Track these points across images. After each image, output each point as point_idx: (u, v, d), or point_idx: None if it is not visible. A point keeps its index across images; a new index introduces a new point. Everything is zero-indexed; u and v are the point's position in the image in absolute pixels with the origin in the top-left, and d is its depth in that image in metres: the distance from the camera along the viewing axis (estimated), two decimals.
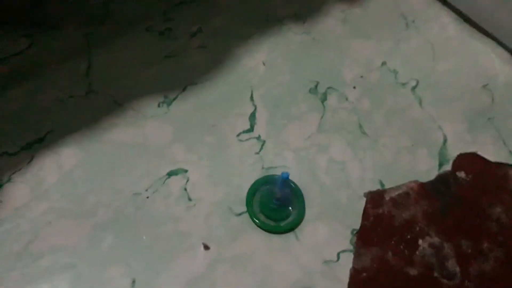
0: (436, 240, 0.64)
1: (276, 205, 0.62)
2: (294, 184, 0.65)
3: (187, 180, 0.62)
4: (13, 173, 0.58)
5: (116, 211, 0.59)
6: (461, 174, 0.70)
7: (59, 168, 0.60)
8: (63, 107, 0.64)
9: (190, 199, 0.61)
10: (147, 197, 0.60)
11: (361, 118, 0.74)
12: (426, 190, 0.68)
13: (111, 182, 0.61)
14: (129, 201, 0.60)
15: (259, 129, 0.69)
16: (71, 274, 0.54)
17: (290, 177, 0.57)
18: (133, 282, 0.55)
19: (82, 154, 0.62)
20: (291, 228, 0.62)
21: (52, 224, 0.57)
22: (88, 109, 0.65)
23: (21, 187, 0.58)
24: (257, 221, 0.61)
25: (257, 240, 0.61)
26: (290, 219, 0.63)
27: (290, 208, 0.63)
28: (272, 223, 0.62)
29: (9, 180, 0.58)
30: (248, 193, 0.63)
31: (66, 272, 0.54)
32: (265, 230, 0.61)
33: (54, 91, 0.65)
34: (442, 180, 0.69)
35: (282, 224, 0.62)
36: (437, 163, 0.70)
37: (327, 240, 0.62)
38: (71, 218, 0.57)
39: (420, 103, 0.75)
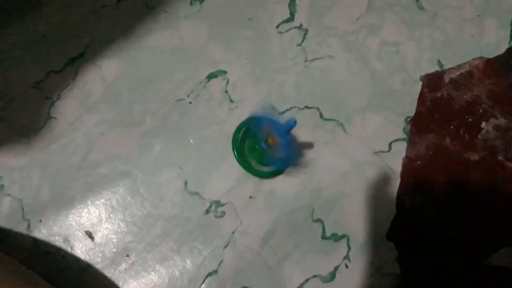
0: (502, 121, 0.58)
1: (265, 149, 0.54)
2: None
3: (227, 82, 0.61)
4: (62, 90, 0.61)
5: (162, 118, 0.60)
6: None
7: (103, 80, 0.61)
8: (97, 18, 0.63)
9: (231, 101, 0.60)
10: (190, 102, 0.60)
11: None
12: (493, 66, 0.60)
13: (154, 90, 0.61)
14: (173, 107, 0.60)
15: (300, 17, 0.63)
16: (127, 180, 0.58)
17: None
18: (186, 183, 0.58)
19: (122, 64, 0.62)
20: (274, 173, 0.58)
21: (104, 135, 0.59)
22: (122, 17, 0.63)
23: (71, 102, 0.60)
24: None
25: (303, 135, 0.59)
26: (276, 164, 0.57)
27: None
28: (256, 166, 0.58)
29: (59, 97, 0.60)
30: (235, 133, 0.59)
31: (123, 179, 0.58)
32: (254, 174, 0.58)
33: (86, 2, 0.63)
34: None
35: (266, 169, 0.58)
36: (508, 34, 0.61)
37: (377, 130, 0.59)
38: (121, 128, 0.60)
39: None
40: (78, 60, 0.62)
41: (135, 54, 0.62)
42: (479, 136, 0.58)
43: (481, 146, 0.58)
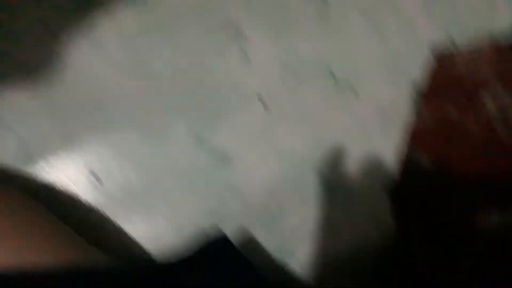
0: (505, 98, 0.61)
1: None
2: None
3: (243, 36, 0.60)
4: (72, 29, 0.57)
5: (173, 63, 0.59)
6: None
7: (117, 25, 0.59)
8: None
9: (246, 55, 0.60)
10: (203, 52, 0.59)
11: None
12: (502, 47, 0.62)
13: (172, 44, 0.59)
14: (185, 54, 0.59)
15: None
16: (138, 124, 0.57)
17: None
18: (195, 132, 0.58)
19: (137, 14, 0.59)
20: None
21: (112, 74, 0.57)
22: None
23: (80, 42, 0.58)
24: None
25: (315, 96, 0.61)
26: None
27: None
28: None
29: (68, 36, 0.57)
30: None
31: (133, 122, 0.57)
32: None
33: None
34: None
35: None
36: None
37: (387, 96, 0.61)
38: (129, 68, 0.57)
39: None
40: None
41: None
42: (482, 112, 0.61)
43: (483, 119, 0.61)
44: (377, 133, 0.60)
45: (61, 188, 0.56)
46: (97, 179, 0.56)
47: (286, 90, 0.59)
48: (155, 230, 0.56)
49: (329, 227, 0.57)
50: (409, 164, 0.59)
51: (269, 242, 0.57)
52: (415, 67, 0.62)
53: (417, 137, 0.60)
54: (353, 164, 0.59)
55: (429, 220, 0.58)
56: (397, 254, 0.56)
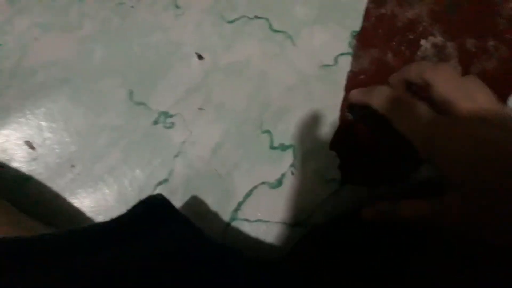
0: (439, 39, 0.62)
1: None
2: None
3: None
4: None
5: (102, 23, 0.56)
6: None
7: None
8: None
9: (177, 7, 0.57)
10: (132, 6, 0.56)
11: None
12: None
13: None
14: (114, 11, 0.56)
15: None
16: (68, 88, 0.55)
17: None
18: (131, 92, 0.56)
19: None
20: None
21: (39, 40, 0.55)
22: None
23: None
24: None
25: (252, 47, 0.59)
26: None
27: None
28: None
29: None
30: None
31: (63, 87, 0.55)
32: None
33: None
34: None
35: None
36: None
37: (325, 43, 0.60)
38: (57, 32, 0.55)
39: None
40: None
41: None
42: (418, 53, 0.61)
43: None
44: (319, 86, 0.59)
45: None
46: (30, 146, 0.54)
47: (222, 41, 0.58)
48: (102, 204, 0.54)
49: (277, 185, 0.57)
50: (348, 115, 0.59)
51: (223, 209, 0.56)
52: (356, 16, 0.61)
53: (355, 85, 0.59)
54: (298, 121, 0.58)
55: (371, 169, 0.58)
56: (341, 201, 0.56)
